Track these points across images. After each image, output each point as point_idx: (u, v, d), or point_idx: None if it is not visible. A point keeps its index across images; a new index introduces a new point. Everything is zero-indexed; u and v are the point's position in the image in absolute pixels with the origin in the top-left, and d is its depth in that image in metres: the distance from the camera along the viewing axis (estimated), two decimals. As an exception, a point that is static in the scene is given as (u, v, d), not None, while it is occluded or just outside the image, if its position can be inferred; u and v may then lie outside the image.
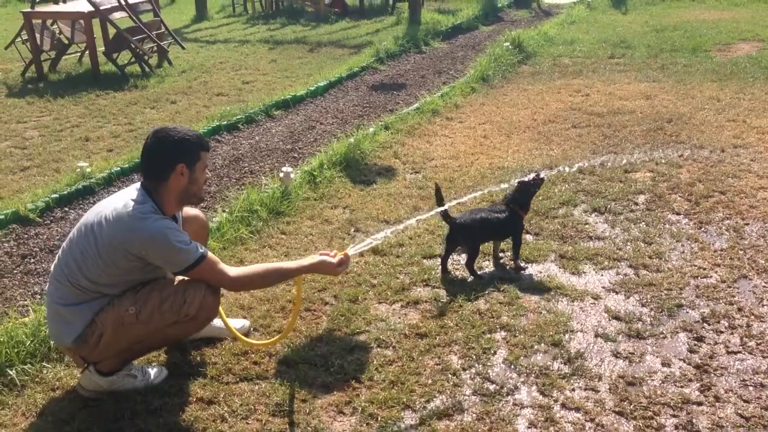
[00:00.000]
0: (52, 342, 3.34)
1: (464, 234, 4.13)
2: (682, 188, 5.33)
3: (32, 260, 4.61)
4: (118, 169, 6.05)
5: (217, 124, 7.38)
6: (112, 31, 10.39)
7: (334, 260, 3.31)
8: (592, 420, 2.91)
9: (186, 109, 8.59)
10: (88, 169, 5.87)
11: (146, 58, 10.58)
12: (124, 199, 3.01)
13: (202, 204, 3.55)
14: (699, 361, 3.27)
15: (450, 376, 3.24)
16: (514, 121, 7.40)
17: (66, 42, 10.75)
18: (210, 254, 3.06)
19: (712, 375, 3.17)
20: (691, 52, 10.08)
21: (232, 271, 3.17)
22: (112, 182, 5.92)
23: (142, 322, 2.98)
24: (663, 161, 5.90)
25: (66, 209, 5.41)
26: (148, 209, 2.97)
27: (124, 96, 9.32)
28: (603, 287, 3.99)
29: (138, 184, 3.10)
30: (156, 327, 3.01)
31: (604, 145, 6.45)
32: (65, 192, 5.54)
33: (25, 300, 4.07)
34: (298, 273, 3.32)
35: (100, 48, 10.41)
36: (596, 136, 6.72)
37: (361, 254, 4.47)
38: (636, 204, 5.12)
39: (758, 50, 10.01)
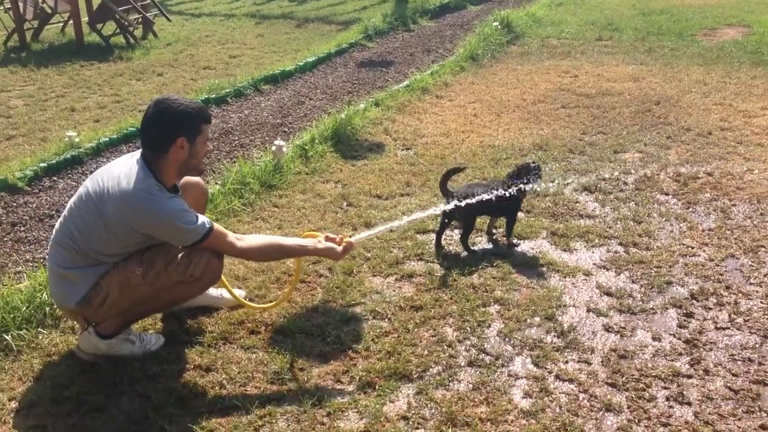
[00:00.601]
0: (54, 304, 3.33)
1: (460, 208, 4.12)
2: (671, 169, 5.39)
3: (22, 228, 4.58)
4: (107, 139, 6.01)
5: (206, 97, 7.34)
6: (96, 1, 10.25)
7: (339, 247, 3.42)
8: (585, 391, 2.97)
9: (173, 81, 8.52)
10: (77, 139, 5.81)
11: (131, 29, 10.46)
12: (126, 173, 2.96)
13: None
14: (689, 336, 3.34)
15: (445, 347, 3.28)
16: (503, 100, 7.43)
17: (49, 11, 10.60)
18: (216, 227, 3.07)
19: (702, 349, 3.24)
20: (678, 35, 10.15)
21: (241, 242, 3.18)
22: (101, 153, 5.88)
23: (148, 283, 3.01)
24: (652, 143, 5.97)
25: (54, 178, 5.37)
26: (153, 187, 2.94)
27: (109, 67, 9.22)
28: (594, 264, 4.04)
29: (138, 154, 3.07)
30: (161, 287, 3.04)
31: (593, 125, 6.49)
32: (54, 161, 5.49)
33: (18, 267, 4.05)
34: (304, 254, 3.46)
35: (84, 18, 10.27)
36: (585, 116, 6.77)
37: (355, 228, 4.50)
38: (625, 184, 5.18)
39: (743, 35, 10.09)
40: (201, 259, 3.07)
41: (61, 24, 11.18)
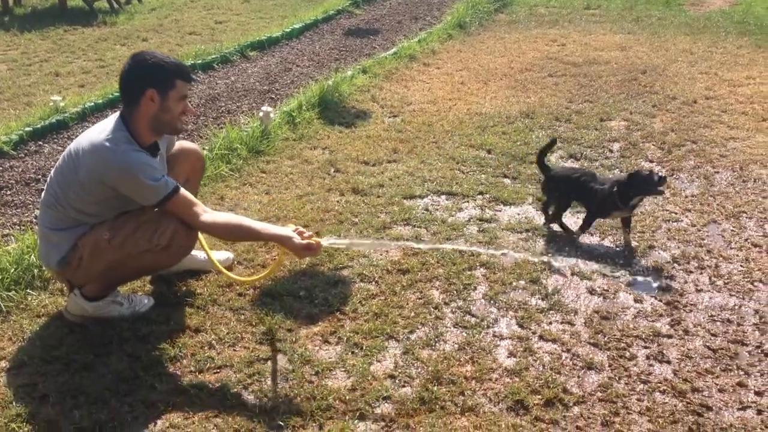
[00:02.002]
0: (41, 264, 3.34)
1: (552, 186, 4.04)
2: (656, 137, 5.44)
3: (9, 192, 4.56)
4: (92, 104, 5.96)
5: (192, 62, 7.28)
6: (80, -35, 10.09)
7: (303, 242, 3.08)
8: (568, 350, 3.03)
9: (158, 47, 8.44)
10: (62, 104, 5.78)
11: (116, -7, 10.32)
12: (100, 128, 3.01)
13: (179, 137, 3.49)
14: (669, 298, 3.40)
15: (432, 309, 3.32)
16: (491, 68, 7.43)
17: (32, -25, 10.43)
18: (183, 193, 3.02)
19: (682, 311, 3.31)
20: (665, 5, 10.17)
21: (205, 216, 3.08)
22: (86, 117, 5.83)
23: (114, 248, 2.99)
24: (637, 111, 6.01)
25: (40, 143, 5.33)
26: (121, 139, 2.94)
27: (93, 32, 9.12)
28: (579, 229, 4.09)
29: (117, 113, 3.08)
30: (129, 254, 3.01)
31: (580, 94, 6.52)
32: (39, 126, 5.45)
33: (6, 230, 4.05)
34: (265, 239, 3.27)
35: (68, -18, 10.12)
36: (572, 85, 6.79)
37: (342, 194, 4.52)
38: (611, 151, 5.22)
39: (730, 5, 10.12)
40: (168, 228, 3.02)
41: (44, -12, 11.01)
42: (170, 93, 3.02)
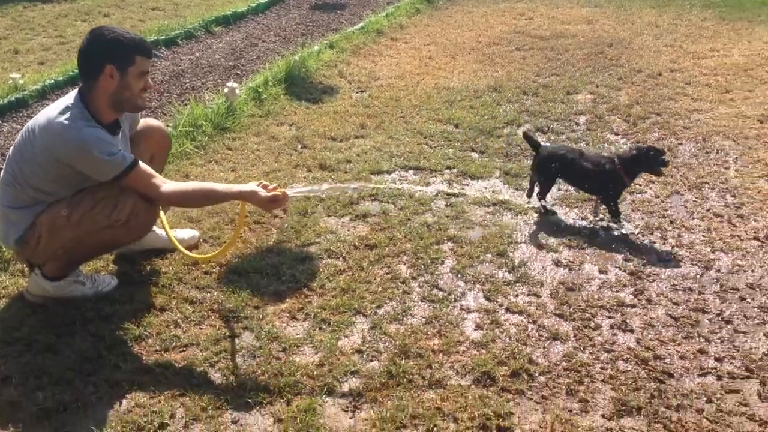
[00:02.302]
0: (0, 243, 3.27)
1: (541, 162, 3.95)
2: (621, 110, 5.48)
3: (-33, 173, 4.46)
4: (52, 81, 5.84)
5: (155, 38, 7.15)
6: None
7: (268, 194, 3.06)
8: (534, 322, 3.06)
9: (120, 22, 8.26)
10: (21, 81, 5.65)
11: (76, -32, 10.06)
12: (57, 105, 2.95)
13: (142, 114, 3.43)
14: (633, 269, 3.44)
15: (399, 284, 3.33)
16: (458, 42, 7.41)
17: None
18: (143, 166, 2.97)
19: (645, 281, 3.36)
20: (632, -22, 10.17)
21: (166, 186, 3.04)
22: (46, 95, 5.71)
23: (73, 224, 2.94)
24: (603, 84, 6.03)
25: (-1, 122, 5.22)
26: (77, 116, 2.88)
27: (53, 8, 8.90)
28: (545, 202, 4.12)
29: (76, 90, 3.02)
30: (87, 230, 2.96)
31: (547, 67, 6.53)
32: (-2, 104, 5.33)
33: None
34: (231, 198, 3.17)
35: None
36: (539, 58, 6.80)
37: (309, 170, 4.50)
38: (577, 124, 5.25)
39: (696, -22, 10.16)
40: (126, 204, 2.97)
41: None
42: (130, 69, 2.96)
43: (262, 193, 3.04)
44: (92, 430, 2.47)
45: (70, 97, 2.99)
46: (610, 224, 3.82)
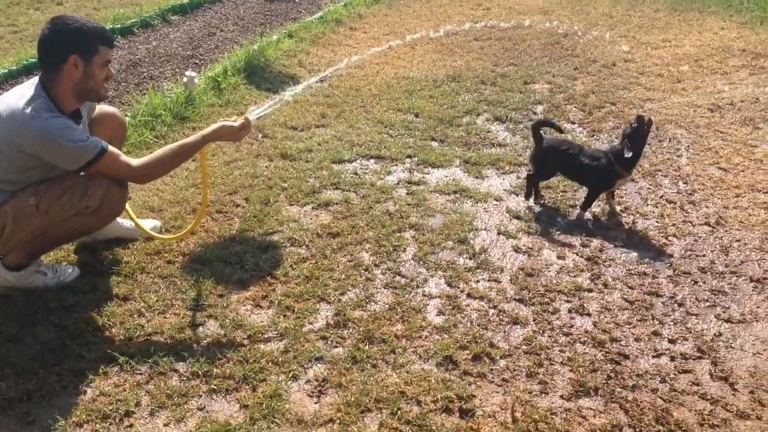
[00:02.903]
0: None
1: (540, 155, 3.97)
2: (577, 99, 5.59)
3: None
4: (5, 70, 5.73)
5: (111, 27, 7.04)
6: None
7: (236, 124, 3.31)
8: (494, 307, 3.13)
9: (74, 10, 8.12)
10: (-27, 71, 5.52)
11: (27, -46, 9.83)
12: (19, 95, 2.90)
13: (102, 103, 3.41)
14: (590, 254, 3.54)
15: (362, 271, 3.37)
16: (417, 32, 7.44)
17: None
18: (111, 148, 2.97)
19: (602, 266, 3.45)
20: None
21: (137, 162, 3.08)
22: (0, 84, 5.60)
23: (41, 213, 2.91)
24: (560, 74, 6.14)
25: (-49, 112, 5.09)
26: (41, 106, 2.84)
27: (4, -5, 8.70)
28: (505, 190, 4.19)
29: (36, 78, 2.98)
30: (56, 219, 2.95)
31: (505, 57, 6.62)
32: (-51, 94, 5.21)
33: None
34: (202, 143, 3.24)
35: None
36: (497, 49, 6.88)
37: (270, 159, 4.50)
38: (535, 113, 5.34)
39: (649, -29, 10.37)
40: (98, 189, 2.97)
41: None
42: (94, 59, 2.94)
43: (231, 123, 3.28)
44: (57, 419, 2.47)
45: (30, 86, 2.94)
46: (576, 207, 3.91)
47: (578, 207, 3.93)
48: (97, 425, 2.47)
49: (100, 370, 2.70)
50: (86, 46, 2.91)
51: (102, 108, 3.38)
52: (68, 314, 3.01)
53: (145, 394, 2.61)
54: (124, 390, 2.62)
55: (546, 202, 4.04)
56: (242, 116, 3.39)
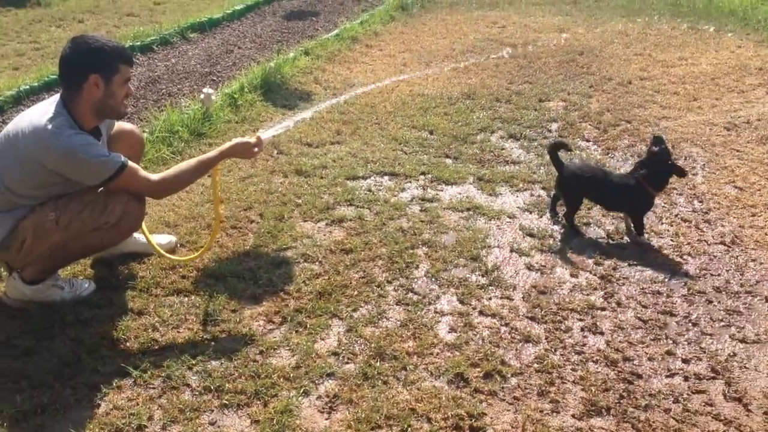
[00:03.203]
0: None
1: (565, 183, 3.94)
2: (592, 117, 5.59)
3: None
4: (27, 87, 5.82)
5: (131, 44, 7.15)
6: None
7: (251, 140, 3.41)
8: (506, 324, 3.13)
9: (95, 28, 8.27)
10: (-5, 87, 5.62)
11: (50, -27, 10.02)
12: (41, 111, 2.95)
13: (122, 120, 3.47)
14: (603, 272, 3.53)
15: (375, 288, 3.38)
16: (433, 50, 7.50)
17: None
18: (131, 163, 3.02)
19: (615, 284, 3.44)
20: (603, -13, 10.37)
21: (156, 176, 3.15)
22: (21, 101, 5.69)
23: (61, 228, 2.96)
24: (575, 91, 6.15)
25: (-27, 127, 5.19)
26: (63, 123, 2.89)
27: (27, 14, 8.88)
28: (518, 207, 4.20)
29: (57, 96, 3.03)
30: (75, 233, 3.00)
31: (520, 75, 6.64)
32: (-29, 110, 5.31)
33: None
34: (219, 158, 3.33)
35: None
36: (512, 66, 6.91)
37: (285, 175, 4.54)
38: (549, 131, 5.35)
39: (665, -12, 10.39)
40: (117, 205, 3.03)
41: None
42: (114, 78, 3.00)
43: (245, 140, 3.39)
44: (70, 431, 2.49)
45: (51, 103, 2.99)
46: (590, 225, 3.93)
47: (635, 234, 3.85)
48: (110, 439, 2.49)
49: (114, 384, 2.73)
50: (107, 65, 2.97)
51: (120, 125, 3.44)
52: (84, 328, 3.04)
53: (158, 408, 2.63)
54: (137, 404, 2.64)
55: (560, 220, 4.04)
56: (255, 134, 3.47)
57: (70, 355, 2.87)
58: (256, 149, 3.44)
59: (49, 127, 2.86)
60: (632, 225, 3.85)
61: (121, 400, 2.65)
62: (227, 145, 3.36)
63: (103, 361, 2.85)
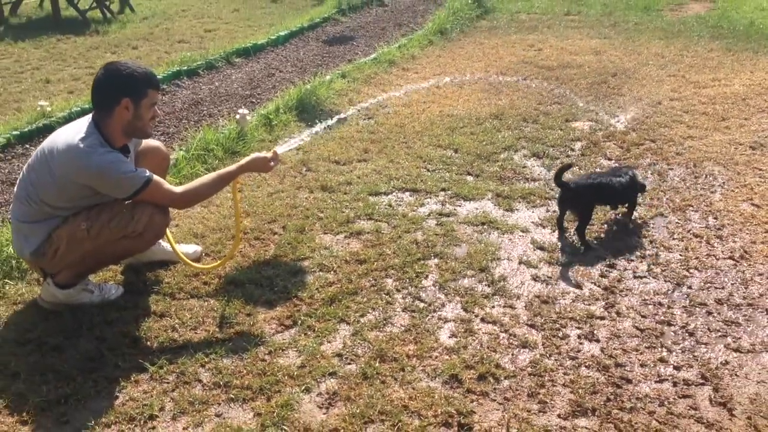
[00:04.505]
0: (16, 254, 3.55)
1: (576, 199, 4.08)
2: (617, 136, 5.66)
3: (-6, 192, 4.80)
4: (78, 108, 6.18)
5: (177, 69, 7.53)
6: (73, -25, 10.36)
7: (268, 155, 3.67)
8: (506, 331, 3.25)
9: (147, 54, 8.69)
10: (49, 108, 6.01)
11: (107, 3, 10.59)
12: (75, 131, 3.23)
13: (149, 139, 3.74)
14: (608, 284, 3.62)
15: (384, 295, 3.54)
16: (467, 72, 7.66)
17: (26, -15, 10.70)
18: (156, 177, 3.29)
19: (618, 295, 3.53)
20: (644, 10, 10.40)
21: (179, 189, 3.43)
22: (72, 121, 6.05)
23: (92, 237, 3.22)
24: (603, 112, 6.23)
25: (27, 146, 5.57)
26: (95, 142, 3.17)
27: (85, 41, 9.38)
28: (532, 222, 4.31)
29: (90, 116, 3.31)
30: (105, 241, 3.26)
31: (550, 96, 6.75)
32: (26, 129, 5.70)
33: (-12, 226, 4.28)
34: (238, 172, 3.60)
35: (61, -8, 10.39)
36: (543, 88, 7.02)
37: (311, 191, 4.75)
38: (572, 150, 5.45)
39: (707, 10, 10.35)
40: (143, 215, 3.29)
41: (39, -1, 11.31)
42: (143, 101, 3.27)
43: (263, 154, 3.67)
44: (89, 420, 2.72)
45: (84, 123, 3.28)
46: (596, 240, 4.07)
47: (626, 220, 4.30)
48: (124, 426, 2.71)
49: (132, 378, 2.95)
50: (137, 89, 3.24)
51: (147, 142, 3.70)
52: (109, 328, 3.29)
53: (170, 401, 2.83)
54: (151, 396, 2.85)
55: (570, 234, 4.13)
56: (272, 150, 3.73)
57: (94, 351, 3.12)
58: (272, 163, 3.69)
59: (82, 145, 3.13)
60: (630, 212, 4.30)
61: (137, 393, 2.87)
62: (245, 159, 3.62)
63: (123, 358, 3.08)
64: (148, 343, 3.19)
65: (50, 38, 9.39)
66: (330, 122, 4.87)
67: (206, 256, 3.96)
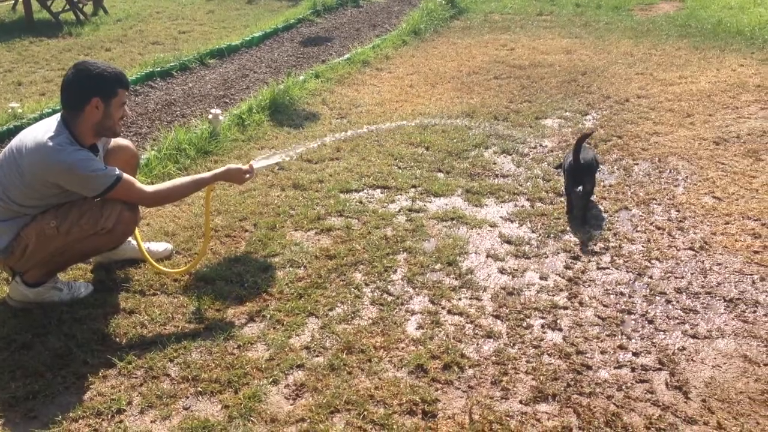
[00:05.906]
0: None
1: (590, 172, 4.32)
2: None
3: (-36, 193, 4.78)
4: (50, 110, 6.17)
5: (150, 70, 7.53)
6: (45, -22, 10.31)
7: (244, 167, 3.68)
8: (472, 322, 3.31)
9: (120, 56, 8.68)
10: (20, 110, 6.00)
11: (81, 5, 10.55)
12: (43, 129, 3.24)
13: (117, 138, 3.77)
14: (571, 275, 3.70)
15: (353, 289, 3.59)
16: (440, 72, 7.74)
17: (-2, -12, 10.63)
18: (126, 175, 3.31)
19: (581, 286, 3.61)
20: (614, 10, 10.54)
21: (150, 187, 3.46)
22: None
23: (62, 234, 3.24)
24: (572, 109, 6.33)
25: (-2, 148, 5.56)
26: (65, 141, 3.19)
27: (58, 43, 9.34)
28: (500, 217, 4.38)
29: (58, 115, 3.33)
30: (75, 239, 3.28)
31: (521, 94, 6.84)
32: (-4, 131, 5.68)
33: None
34: (211, 180, 3.63)
35: (34, -5, 10.33)
36: (515, 86, 7.11)
37: (283, 189, 4.79)
38: (542, 146, 5.53)
39: (676, 9, 10.51)
40: (113, 212, 3.31)
41: (12, 2, 11.22)
42: (113, 100, 3.29)
43: (237, 167, 3.67)
44: (56, 415, 2.74)
45: (53, 122, 3.29)
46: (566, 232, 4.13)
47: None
48: (91, 421, 2.73)
49: (100, 374, 2.98)
50: (107, 89, 3.27)
51: (116, 141, 3.72)
52: (78, 325, 3.31)
53: (138, 395, 2.86)
54: (119, 391, 2.88)
55: (538, 227, 4.21)
56: (249, 163, 3.76)
57: (62, 348, 3.14)
58: (247, 176, 3.70)
59: (51, 144, 3.15)
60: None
61: (105, 388, 2.90)
62: (221, 169, 3.66)
63: (92, 354, 3.10)
64: (117, 339, 3.22)
65: (23, 41, 9.35)
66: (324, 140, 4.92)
67: (177, 253, 3.98)
